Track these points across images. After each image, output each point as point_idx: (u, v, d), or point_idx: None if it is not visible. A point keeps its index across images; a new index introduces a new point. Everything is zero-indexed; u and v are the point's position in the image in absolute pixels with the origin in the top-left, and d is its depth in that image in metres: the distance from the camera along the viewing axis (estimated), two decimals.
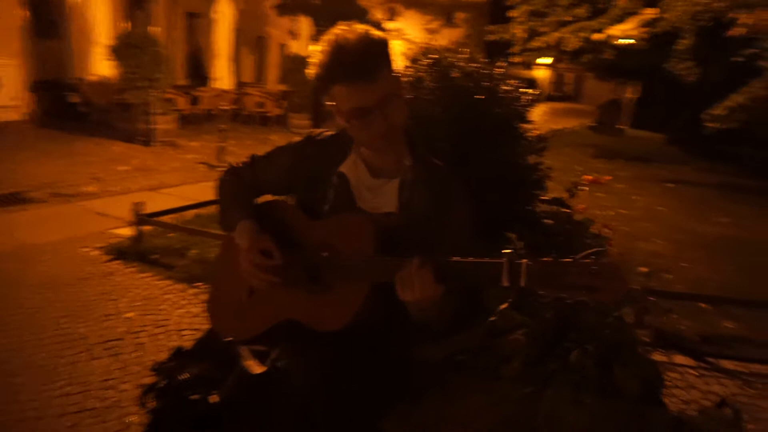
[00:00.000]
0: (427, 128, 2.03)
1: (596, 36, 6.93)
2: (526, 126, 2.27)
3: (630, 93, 18.22)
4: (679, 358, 2.84)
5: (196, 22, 15.78)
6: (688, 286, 4.05)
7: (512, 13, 9.66)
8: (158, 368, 2.46)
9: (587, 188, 2.44)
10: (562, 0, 8.43)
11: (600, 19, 7.54)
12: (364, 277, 1.37)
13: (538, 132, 2.27)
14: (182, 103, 11.46)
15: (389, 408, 1.52)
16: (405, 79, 1.41)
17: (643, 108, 18.38)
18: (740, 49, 5.95)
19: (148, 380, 1.51)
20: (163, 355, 1.51)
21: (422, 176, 1.48)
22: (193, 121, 11.80)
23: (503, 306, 1.74)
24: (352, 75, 1.30)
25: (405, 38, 36.66)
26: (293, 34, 19.67)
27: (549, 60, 37.95)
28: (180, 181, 6.94)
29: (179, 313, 3.20)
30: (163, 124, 9.39)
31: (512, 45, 9.88)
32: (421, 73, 2.26)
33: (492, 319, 1.79)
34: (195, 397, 1.48)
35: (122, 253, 4.00)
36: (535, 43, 8.84)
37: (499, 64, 2.30)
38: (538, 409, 1.68)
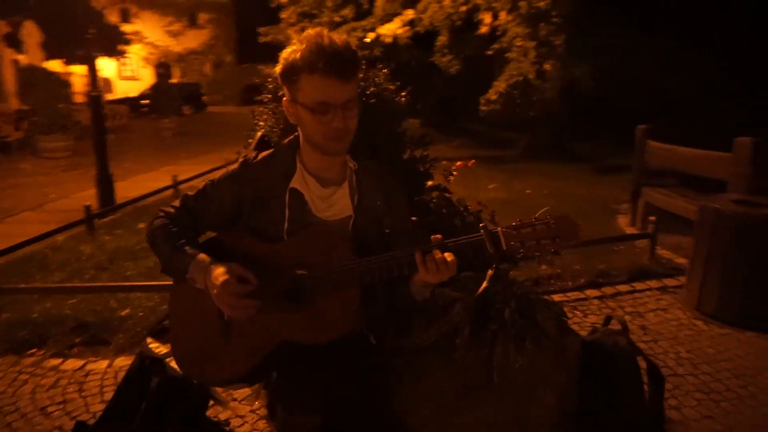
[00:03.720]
0: None
1: (370, 35, 7.60)
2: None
3: None
4: None
5: None
6: None
7: (283, 15, 9.87)
8: None
9: (456, 173, 2.78)
10: (328, 2, 8.97)
11: (369, 19, 8.26)
12: (365, 281, 1.40)
13: None
14: None
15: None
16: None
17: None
18: (490, 44, 7.26)
19: None
20: None
21: (366, 176, 1.58)
22: None
23: (490, 272, 1.95)
24: (334, 69, 1.32)
25: (146, 42, 33.99)
26: (14, 42, 16.48)
27: None
28: None
29: (28, 390, 2.64)
30: None
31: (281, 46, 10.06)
32: None
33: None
34: None
35: None
36: None
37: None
38: (491, 364, 1.95)
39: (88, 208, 5.07)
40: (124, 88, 31.81)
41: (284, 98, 1.44)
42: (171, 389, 1.96)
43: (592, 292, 3.74)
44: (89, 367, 2.88)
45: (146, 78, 33.82)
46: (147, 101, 24.56)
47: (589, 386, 2.08)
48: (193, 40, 36.03)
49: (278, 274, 1.46)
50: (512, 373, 1.96)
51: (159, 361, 1.98)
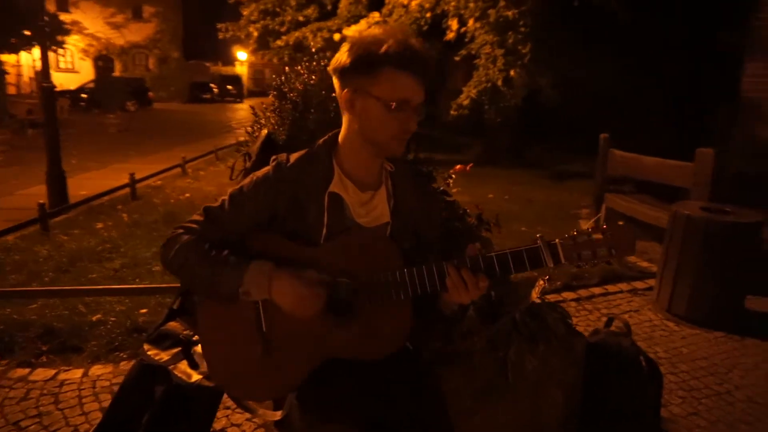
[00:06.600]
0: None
1: (337, 36, 7.55)
2: None
3: None
4: None
5: None
6: None
7: (244, 11, 9.62)
8: None
9: (454, 177, 2.79)
10: (291, 0, 8.83)
11: (335, 20, 8.20)
12: (407, 293, 1.33)
13: None
14: None
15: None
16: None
17: None
18: (458, 49, 7.37)
19: None
20: None
21: (402, 179, 1.51)
22: None
23: (540, 284, 1.95)
24: (421, 70, 1.30)
25: (85, 33, 32.34)
26: None
27: (245, 56, 37.96)
28: None
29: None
30: None
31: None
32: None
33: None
34: None
35: None
36: (279, 42, 9.05)
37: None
38: (506, 366, 1.97)
39: (42, 206, 4.75)
40: (60, 81, 30.06)
41: (345, 90, 1.34)
42: (177, 399, 1.85)
43: (568, 295, 3.85)
44: (62, 376, 2.69)
45: (85, 71, 32.16)
46: (85, 95, 23.39)
47: (595, 386, 2.14)
48: (137, 33, 34.55)
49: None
50: (526, 373, 1.99)
51: (162, 368, 1.87)
